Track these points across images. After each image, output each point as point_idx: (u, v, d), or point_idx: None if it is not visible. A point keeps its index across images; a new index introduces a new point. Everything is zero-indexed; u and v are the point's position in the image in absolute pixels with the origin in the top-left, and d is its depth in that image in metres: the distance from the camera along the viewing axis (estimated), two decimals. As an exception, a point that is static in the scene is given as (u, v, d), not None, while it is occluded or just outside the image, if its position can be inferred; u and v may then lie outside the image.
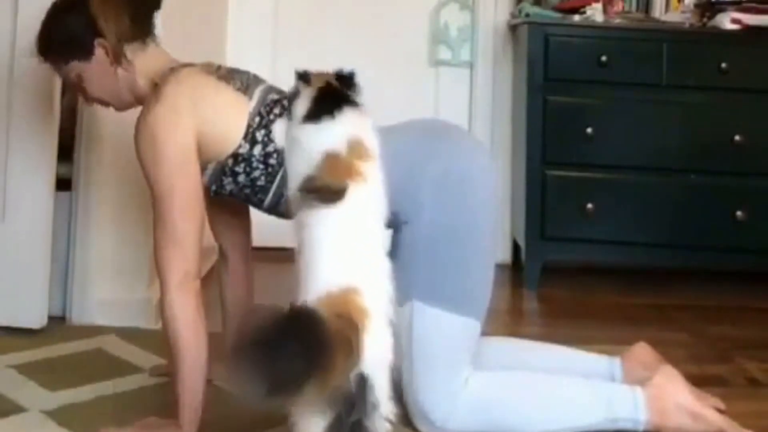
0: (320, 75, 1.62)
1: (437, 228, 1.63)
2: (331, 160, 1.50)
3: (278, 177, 1.66)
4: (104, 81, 1.73)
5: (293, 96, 1.61)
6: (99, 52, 1.70)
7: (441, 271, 1.63)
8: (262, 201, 1.71)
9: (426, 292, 1.62)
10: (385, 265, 1.45)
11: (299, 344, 1.22)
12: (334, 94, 1.57)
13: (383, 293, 1.42)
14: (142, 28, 1.73)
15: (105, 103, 1.80)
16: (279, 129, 1.65)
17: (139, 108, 1.70)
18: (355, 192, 1.48)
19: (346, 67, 1.60)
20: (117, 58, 1.70)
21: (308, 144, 1.54)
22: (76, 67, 1.73)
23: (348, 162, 1.50)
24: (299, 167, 1.54)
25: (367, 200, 1.49)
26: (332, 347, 1.25)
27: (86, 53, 1.70)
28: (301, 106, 1.58)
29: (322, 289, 1.39)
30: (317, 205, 1.47)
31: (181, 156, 1.60)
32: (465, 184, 1.66)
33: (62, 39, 1.71)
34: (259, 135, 1.65)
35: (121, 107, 1.81)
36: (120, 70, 1.71)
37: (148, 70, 1.72)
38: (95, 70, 1.72)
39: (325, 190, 1.47)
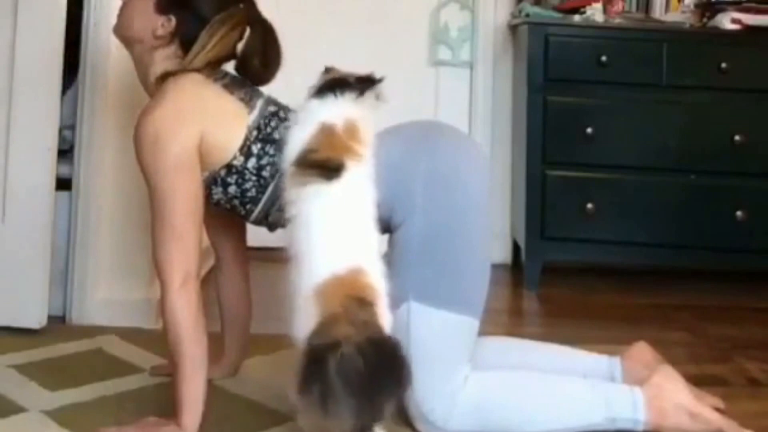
0: (345, 72, 1.65)
1: (430, 228, 1.62)
2: (327, 133, 1.53)
3: (270, 189, 1.65)
4: (135, 26, 1.73)
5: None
6: (161, 21, 1.70)
7: (436, 270, 1.62)
8: (251, 212, 1.69)
9: (422, 292, 1.62)
10: (377, 244, 1.49)
11: (391, 376, 1.38)
12: (344, 83, 1.60)
13: (381, 271, 1.46)
14: (213, 65, 1.71)
15: (116, 25, 1.79)
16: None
17: (139, 107, 1.70)
18: (351, 170, 1.49)
19: (377, 74, 1.64)
20: (162, 44, 1.71)
21: (307, 116, 1.58)
22: None
23: (344, 140, 1.52)
24: (295, 140, 1.57)
25: (362, 179, 1.51)
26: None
27: (162, 8, 1.70)
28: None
29: (327, 271, 1.40)
30: (314, 181, 1.48)
31: (185, 157, 1.59)
32: (456, 182, 1.65)
33: None
34: (255, 148, 1.64)
35: (117, 36, 1.80)
36: (152, 46, 1.72)
37: (165, 66, 1.71)
38: (146, 17, 1.71)
39: (325, 164, 1.48)
